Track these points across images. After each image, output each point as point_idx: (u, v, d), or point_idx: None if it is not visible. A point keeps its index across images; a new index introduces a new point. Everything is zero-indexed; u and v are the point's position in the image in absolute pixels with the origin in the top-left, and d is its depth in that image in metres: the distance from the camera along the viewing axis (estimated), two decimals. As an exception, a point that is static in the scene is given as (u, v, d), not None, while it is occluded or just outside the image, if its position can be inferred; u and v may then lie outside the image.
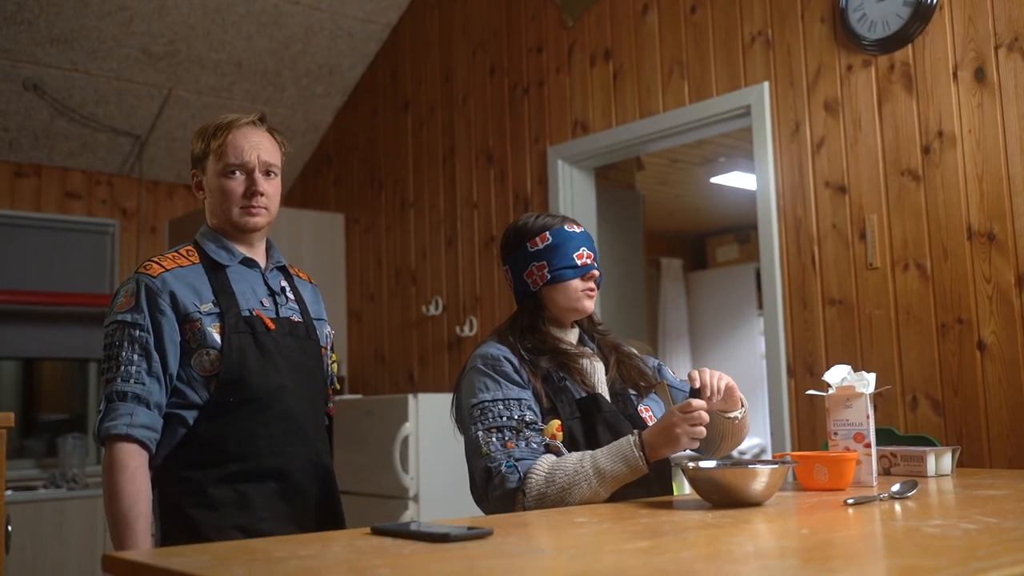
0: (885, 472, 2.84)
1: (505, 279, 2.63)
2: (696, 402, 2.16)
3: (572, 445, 2.31)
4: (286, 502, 2.36)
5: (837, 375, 2.57)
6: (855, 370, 2.59)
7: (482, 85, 5.52)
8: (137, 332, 2.30)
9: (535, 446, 2.28)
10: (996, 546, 1.45)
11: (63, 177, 6.24)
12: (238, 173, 2.43)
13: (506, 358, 2.40)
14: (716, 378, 2.34)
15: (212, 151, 2.44)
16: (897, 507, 2.02)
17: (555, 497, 2.19)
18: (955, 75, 3.55)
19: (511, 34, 5.36)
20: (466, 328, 5.45)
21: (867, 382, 2.52)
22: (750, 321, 9.68)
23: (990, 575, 1.23)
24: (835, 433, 2.53)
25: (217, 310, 2.36)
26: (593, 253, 2.51)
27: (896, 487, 2.22)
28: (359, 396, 5.39)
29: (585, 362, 2.48)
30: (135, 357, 2.29)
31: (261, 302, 2.45)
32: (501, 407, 2.31)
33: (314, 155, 6.81)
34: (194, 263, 2.44)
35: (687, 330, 10.24)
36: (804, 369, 3.92)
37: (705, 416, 2.16)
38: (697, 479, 2.08)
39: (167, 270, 2.38)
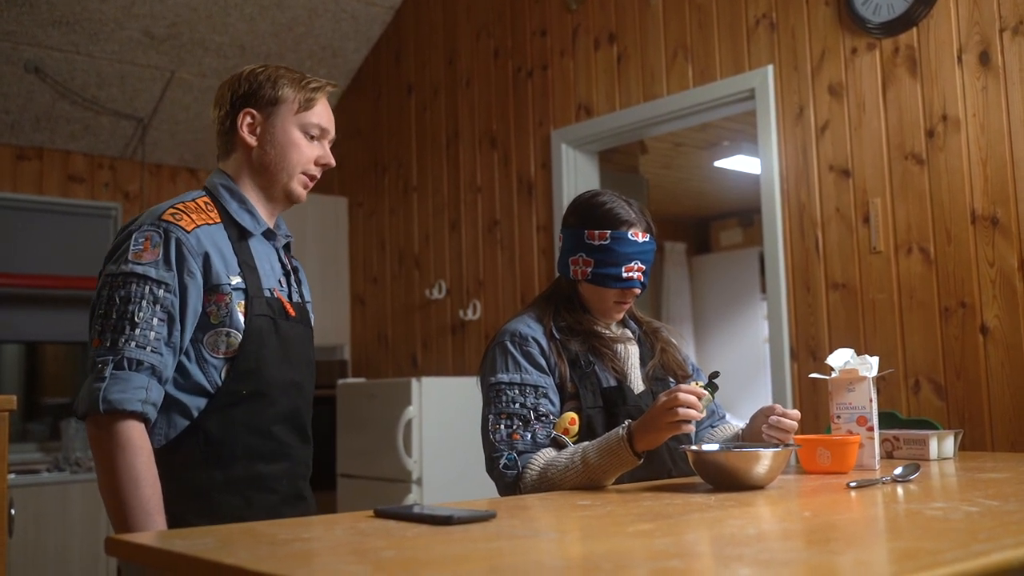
0: (888, 455, 2.84)
1: (556, 242, 2.57)
2: (684, 387, 2.10)
3: (590, 436, 2.28)
4: (290, 508, 2.17)
5: (840, 359, 2.57)
6: (858, 354, 2.59)
7: (486, 68, 5.51)
8: (162, 292, 2.01)
9: (540, 439, 2.26)
10: (998, 528, 1.45)
11: (65, 160, 6.24)
12: (315, 139, 2.27)
13: (535, 339, 2.37)
14: (789, 416, 2.32)
15: (296, 101, 2.23)
16: (899, 490, 2.02)
17: (549, 491, 2.18)
18: (959, 59, 3.54)
19: (515, 17, 5.34)
20: (469, 312, 5.46)
21: (870, 366, 2.52)
22: (754, 305, 9.67)
23: (992, 557, 1.23)
24: (838, 416, 2.54)
25: (244, 286, 2.11)
26: (646, 266, 2.44)
27: (898, 470, 2.22)
28: (363, 380, 5.40)
29: (619, 347, 2.46)
30: (155, 321, 1.99)
31: (279, 281, 2.24)
32: (516, 392, 2.30)
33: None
34: (216, 222, 2.15)
35: (691, 314, 10.23)
36: (807, 353, 3.92)
37: (690, 399, 2.07)
38: (700, 462, 2.09)
39: (198, 226, 2.10)
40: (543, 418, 2.28)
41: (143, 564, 1.48)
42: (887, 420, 3.08)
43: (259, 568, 1.23)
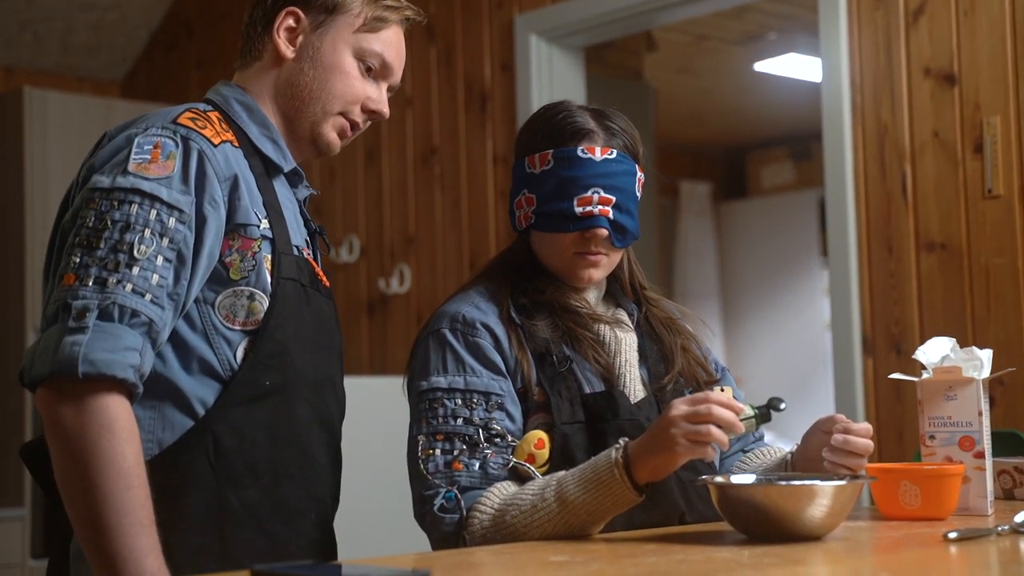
0: (1006, 495, 2.86)
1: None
2: (714, 396, 2.06)
3: (567, 465, 2.25)
4: (314, 554, 2.22)
5: (936, 352, 2.58)
6: (962, 345, 2.59)
7: (419, -79, 5.47)
8: (173, 221, 2.02)
9: (493, 470, 2.25)
10: None
11: None
12: (372, 75, 2.34)
13: (486, 325, 2.36)
14: (861, 430, 2.31)
15: (361, 15, 2.29)
16: (1022, 545, 2.02)
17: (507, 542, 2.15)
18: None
19: None
20: (394, 282, 5.43)
21: (980, 363, 2.52)
22: (810, 274, 9.72)
23: None
24: (932, 437, 2.54)
25: (271, 235, 2.17)
26: (616, 196, 2.37)
27: (1021, 517, 2.23)
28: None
29: (602, 329, 2.44)
30: (160, 261, 1.99)
31: (305, 241, 2.32)
32: (459, 402, 2.29)
33: (166, 22, 6.74)
34: (235, 146, 2.20)
35: (717, 287, 10.27)
36: (888, 343, 3.93)
37: (724, 415, 2.02)
38: (728, 501, 2.08)
39: (224, 140, 2.16)
40: (497, 439, 2.27)
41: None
42: (1006, 443, 3.10)
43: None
